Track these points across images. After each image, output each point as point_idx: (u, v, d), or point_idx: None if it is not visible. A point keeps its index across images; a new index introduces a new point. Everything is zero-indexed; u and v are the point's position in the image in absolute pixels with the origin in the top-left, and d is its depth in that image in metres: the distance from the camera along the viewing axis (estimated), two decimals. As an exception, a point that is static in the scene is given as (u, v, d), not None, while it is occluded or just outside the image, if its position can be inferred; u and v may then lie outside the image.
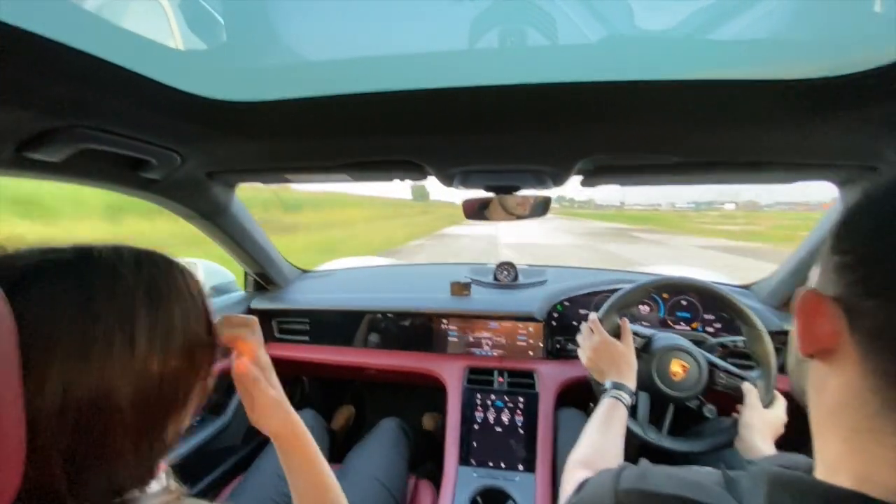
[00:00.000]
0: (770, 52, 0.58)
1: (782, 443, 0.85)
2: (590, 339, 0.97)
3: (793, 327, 0.41)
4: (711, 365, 1.00)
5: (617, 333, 0.98)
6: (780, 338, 1.05)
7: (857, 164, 0.78)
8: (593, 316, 1.01)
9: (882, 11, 0.49)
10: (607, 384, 0.88)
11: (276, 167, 0.94)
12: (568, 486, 0.65)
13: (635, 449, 1.36)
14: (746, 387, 0.94)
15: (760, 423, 0.87)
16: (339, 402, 1.96)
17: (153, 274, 0.42)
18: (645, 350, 1.03)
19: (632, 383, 0.89)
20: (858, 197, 0.34)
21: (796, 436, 0.38)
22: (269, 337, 1.59)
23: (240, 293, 1.60)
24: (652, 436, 0.97)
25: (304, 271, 1.78)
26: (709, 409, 0.99)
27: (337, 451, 1.28)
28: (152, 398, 0.40)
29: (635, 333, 1.03)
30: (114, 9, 0.56)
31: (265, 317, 1.57)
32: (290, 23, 0.61)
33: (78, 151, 0.64)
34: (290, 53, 0.64)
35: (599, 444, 0.76)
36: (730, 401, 0.98)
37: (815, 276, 0.38)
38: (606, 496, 0.45)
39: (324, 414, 1.47)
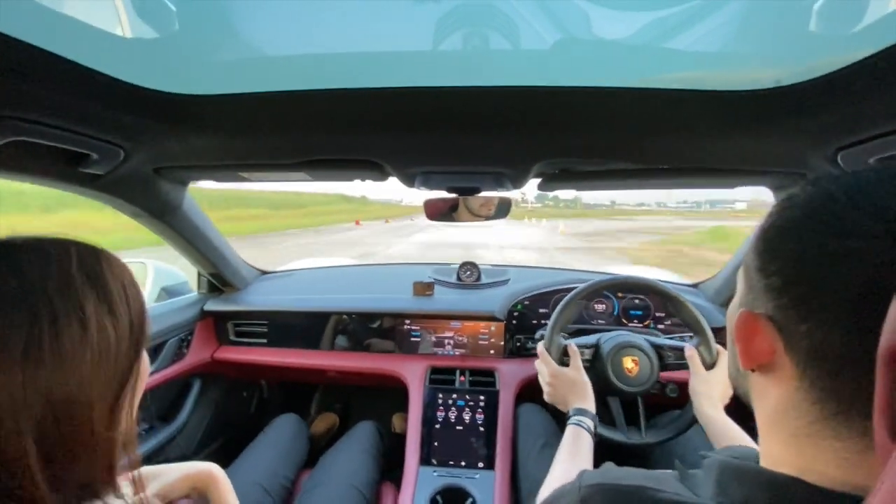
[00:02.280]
0: (716, 64, 0.61)
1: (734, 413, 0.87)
2: (543, 373, 1.00)
3: (729, 342, 0.43)
4: (656, 348, 1.05)
5: (568, 354, 1.01)
6: (723, 334, 1.11)
7: (788, 171, 0.84)
8: (540, 347, 1.03)
9: (815, 31, 0.53)
10: (570, 412, 0.90)
11: (229, 164, 0.91)
12: None
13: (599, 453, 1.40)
14: (688, 353, 0.97)
15: (706, 388, 0.90)
16: (301, 406, 1.91)
17: (88, 260, 0.43)
18: (596, 358, 1.05)
19: (591, 406, 0.90)
20: (776, 217, 0.37)
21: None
22: (224, 340, 1.53)
23: (193, 295, 1.53)
24: (635, 437, 0.99)
25: (263, 272, 1.73)
26: (671, 389, 1.04)
27: (315, 457, 1.25)
28: (109, 380, 0.41)
29: (582, 346, 1.05)
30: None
31: (220, 319, 1.52)
32: (247, 15, 0.59)
33: (8, 144, 0.59)
34: (247, 47, 0.62)
35: (569, 473, 0.77)
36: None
37: (741, 288, 0.41)
38: (571, 494, 0.46)
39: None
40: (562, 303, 1.07)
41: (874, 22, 0.48)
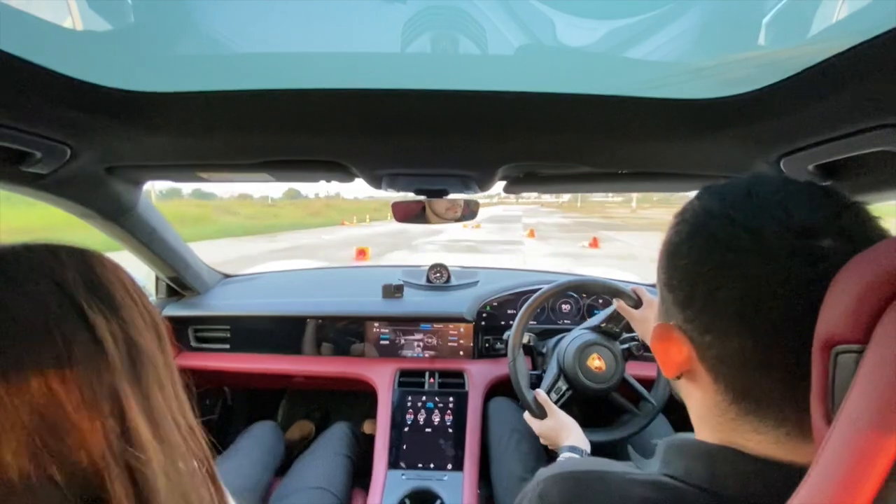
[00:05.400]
0: (672, 74, 0.63)
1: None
2: (533, 426, 1.02)
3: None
4: (602, 333, 1.09)
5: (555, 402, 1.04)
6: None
7: (737, 175, 0.88)
8: (526, 415, 1.05)
9: (764, 44, 0.56)
10: (562, 450, 0.92)
11: (186, 164, 0.88)
12: None
13: None
14: (617, 304, 0.98)
15: (648, 326, 0.91)
16: (267, 413, 1.86)
17: (82, 267, 0.38)
18: (567, 381, 1.08)
19: (579, 442, 0.93)
20: (672, 233, 0.39)
21: None
22: (185, 346, 1.47)
23: (150, 300, 1.46)
24: (641, 420, 1.06)
25: (226, 276, 1.67)
26: (636, 346, 1.10)
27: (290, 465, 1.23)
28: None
29: (550, 385, 1.08)
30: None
31: (181, 324, 1.46)
32: (208, 10, 0.57)
33: None
34: (207, 43, 0.60)
35: None
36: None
37: (657, 301, 0.43)
38: (530, 491, 0.48)
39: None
40: (509, 357, 1.09)
41: (813, 36, 0.52)
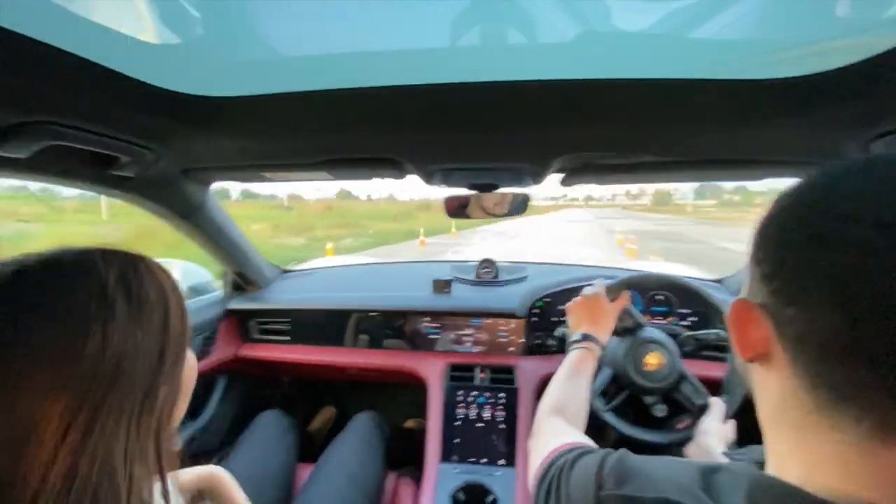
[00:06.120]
0: (741, 53, 0.59)
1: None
2: (585, 292, 1.00)
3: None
4: (682, 374, 1.04)
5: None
6: None
7: (819, 161, 0.81)
8: (601, 280, 1.03)
9: (843, 15, 0.51)
10: (576, 335, 0.90)
11: (253, 164, 0.93)
12: (542, 435, 0.67)
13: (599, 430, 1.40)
14: (713, 399, 0.97)
15: (717, 432, 0.90)
16: (322, 403, 1.94)
17: (126, 271, 0.44)
18: (631, 332, 1.06)
19: (604, 337, 0.91)
20: (770, 208, 0.37)
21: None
22: (247, 338, 1.56)
23: (217, 293, 1.56)
24: (597, 404, 1.00)
25: (285, 271, 1.76)
26: (660, 409, 1.03)
27: (316, 451, 1.27)
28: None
29: (632, 316, 1.07)
30: (83, 2, 0.54)
31: (243, 317, 1.55)
32: (268, 17, 0.60)
33: (45, 148, 0.62)
34: (269, 48, 0.63)
35: (568, 390, 0.80)
36: (678, 409, 1.02)
37: (745, 281, 0.40)
38: (588, 488, 0.45)
39: (306, 414, 1.42)
40: (645, 272, 1.10)
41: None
